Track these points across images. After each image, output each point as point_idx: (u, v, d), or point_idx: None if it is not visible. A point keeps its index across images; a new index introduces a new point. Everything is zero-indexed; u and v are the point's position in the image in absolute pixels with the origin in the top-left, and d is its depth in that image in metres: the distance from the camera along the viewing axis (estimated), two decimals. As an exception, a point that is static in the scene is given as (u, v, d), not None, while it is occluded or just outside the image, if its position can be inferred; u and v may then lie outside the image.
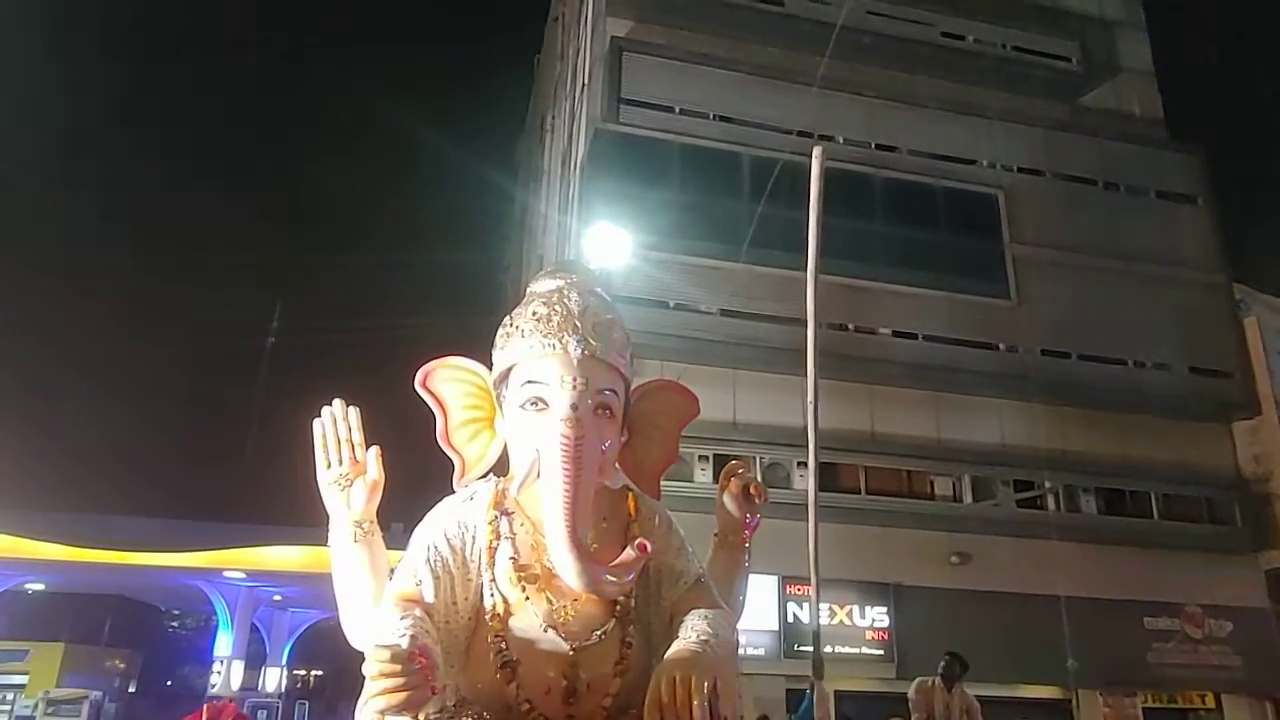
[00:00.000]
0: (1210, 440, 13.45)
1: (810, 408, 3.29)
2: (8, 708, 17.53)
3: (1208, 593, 12.42)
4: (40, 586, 18.17)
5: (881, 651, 11.28)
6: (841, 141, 13.03)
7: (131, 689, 24.08)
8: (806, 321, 3.30)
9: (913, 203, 13.17)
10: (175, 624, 31.60)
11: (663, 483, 1.94)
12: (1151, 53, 15.95)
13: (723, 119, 12.95)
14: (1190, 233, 14.33)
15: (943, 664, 6.66)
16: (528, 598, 1.62)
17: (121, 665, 23.70)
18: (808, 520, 3.24)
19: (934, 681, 6.59)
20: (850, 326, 12.15)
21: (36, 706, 16.50)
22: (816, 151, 3.37)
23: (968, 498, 12.26)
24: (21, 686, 18.39)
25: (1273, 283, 14.93)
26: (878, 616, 11.42)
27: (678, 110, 12.81)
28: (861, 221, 12.33)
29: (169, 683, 28.93)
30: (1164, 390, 13.03)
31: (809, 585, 3.31)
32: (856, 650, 11.23)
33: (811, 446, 3.29)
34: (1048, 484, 12.06)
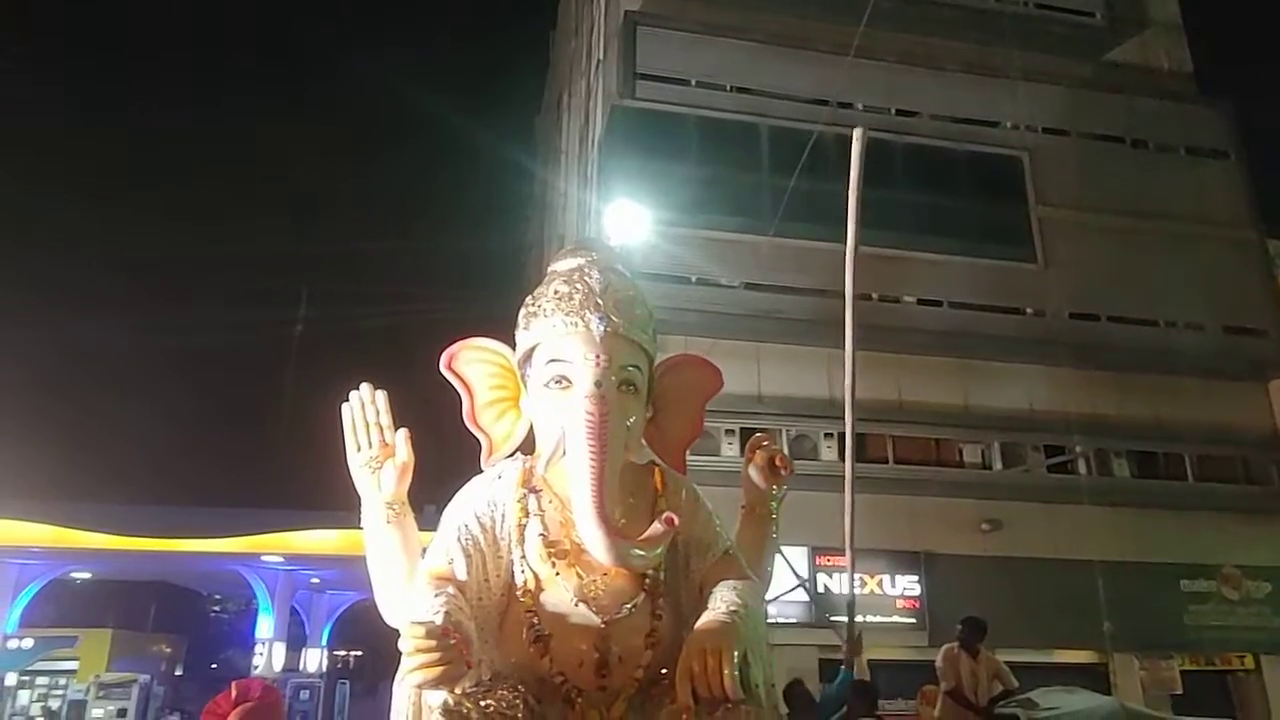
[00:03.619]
0: (1245, 399, 13.19)
1: (848, 388, 3.27)
2: (61, 692, 18.04)
3: (1245, 553, 12.25)
4: (86, 575, 18.61)
5: (913, 620, 11.28)
6: (860, 108, 12.83)
7: (178, 672, 24.64)
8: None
9: (935, 168, 12.94)
10: (217, 608, 32.29)
11: (689, 457, 1.95)
12: (1179, 4, 15.52)
13: (740, 90, 12.79)
14: (1222, 189, 13.97)
15: (959, 630, 6.65)
16: (558, 573, 1.64)
17: (168, 649, 24.27)
18: (844, 492, 3.24)
19: (958, 648, 6.58)
20: (874, 295, 12.03)
21: (89, 690, 16.94)
22: (858, 133, 3.30)
23: (997, 464, 12.16)
24: (73, 672, 18.91)
25: (1308, 237, 14.56)
26: (909, 585, 11.40)
27: (694, 83, 12.67)
28: (883, 189, 12.07)
29: (214, 665, 29.58)
30: (1197, 350, 12.78)
31: (839, 556, 3.33)
32: (888, 619, 11.23)
33: (849, 428, 3.27)
34: (1079, 448, 11.92)
